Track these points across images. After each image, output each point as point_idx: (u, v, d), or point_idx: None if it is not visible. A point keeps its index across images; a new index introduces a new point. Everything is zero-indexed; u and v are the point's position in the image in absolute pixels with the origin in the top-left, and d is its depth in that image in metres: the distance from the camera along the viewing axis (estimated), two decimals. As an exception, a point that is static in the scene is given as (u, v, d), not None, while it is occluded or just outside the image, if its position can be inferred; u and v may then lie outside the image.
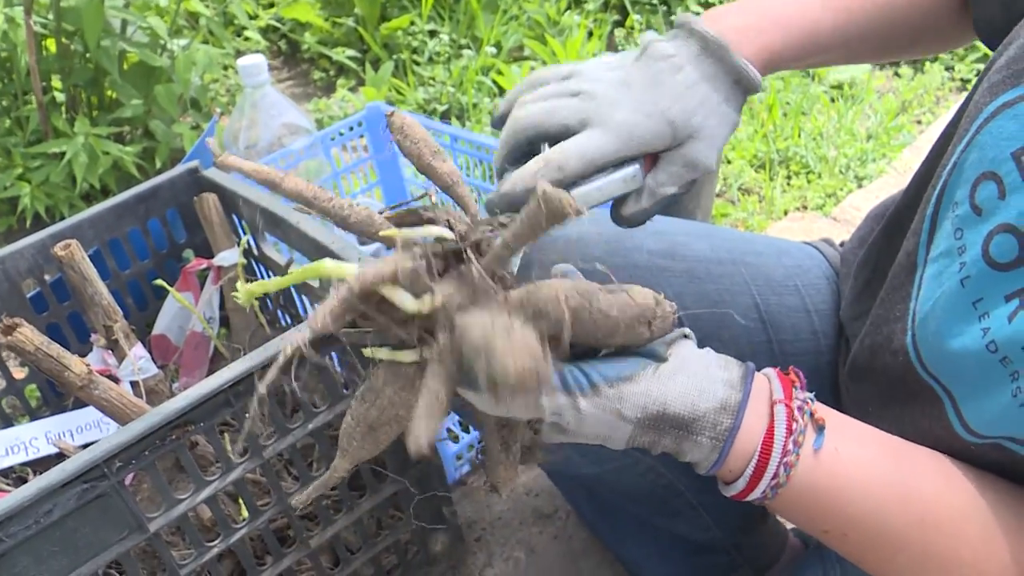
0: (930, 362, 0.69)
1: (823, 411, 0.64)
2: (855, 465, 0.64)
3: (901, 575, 0.64)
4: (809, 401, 0.64)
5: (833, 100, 2.44)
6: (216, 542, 0.94)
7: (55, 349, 0.95)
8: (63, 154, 2.06)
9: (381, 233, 0.61)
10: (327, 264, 0.58)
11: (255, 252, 1.27)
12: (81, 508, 0.81)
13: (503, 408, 0.58)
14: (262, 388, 0.56)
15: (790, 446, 0.61)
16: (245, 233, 1.29)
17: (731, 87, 0.74)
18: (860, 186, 2.08)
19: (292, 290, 1.19)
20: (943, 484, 0.65)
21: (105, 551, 0.85)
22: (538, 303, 0.55)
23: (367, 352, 0.60)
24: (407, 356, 0.58)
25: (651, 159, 0.73)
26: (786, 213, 2.01)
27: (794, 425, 0.62)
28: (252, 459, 0.92)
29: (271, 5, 3.04)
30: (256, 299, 1.26)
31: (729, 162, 2.19)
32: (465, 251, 0.58)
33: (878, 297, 0.80)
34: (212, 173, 1.30)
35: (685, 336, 0.64)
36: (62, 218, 2.10)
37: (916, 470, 0.65)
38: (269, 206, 1.16)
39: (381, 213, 0.64)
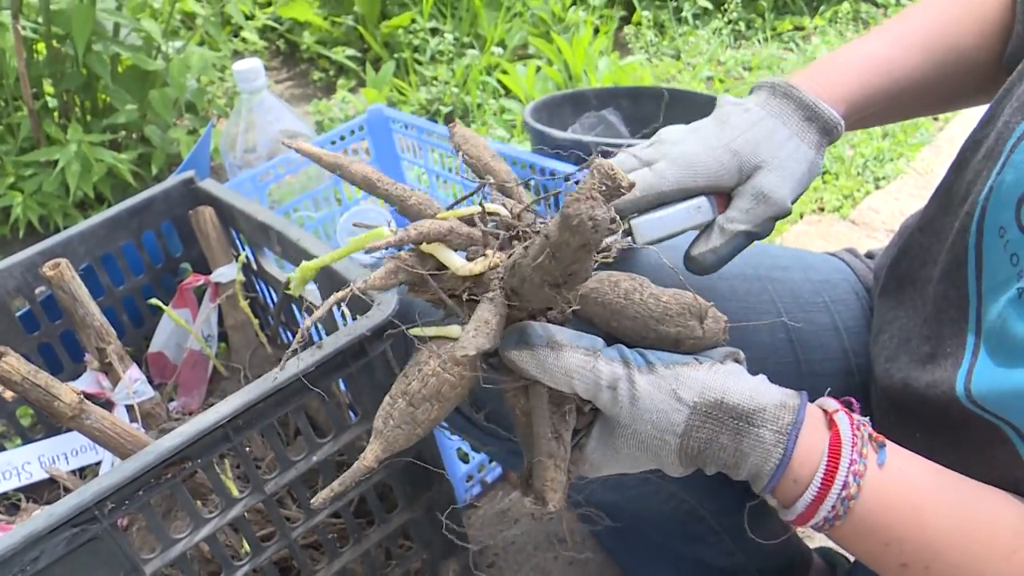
0: (989, 397, 0.63)
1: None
2: (926, 484, 0.59)
3: None
4: (865, 423, 0.60)
5: (846, 97, 2.39)
6: (216, 582, 0.89)
7: (43, 378, 0.89)
8: (56, 162, 2.01)
9: (438, 216, 0.62)
10: (385, 231, 0.59)
11: (254, 267, 1.22)
12: (71, 553, 0.76)
13: (558, 370, 0.56)
14: (308, 324, 0.58)
15: (855, 456, 0.57)
16: (243, 247, 1.24)
17: (803, 124, 0.73)
18: (878, 187, 2.02)
19: (294, 308, 1.14)
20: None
21: (97, 597, 0.80)
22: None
23: (414, 331, 0.61)
24: (454, 332, 0.59)
25: (724, 201, 0.72)
26: (802, 216, 1.95)
27: (856, 433, 0.58)
28: (253, 494, 0.87)
29: (268, 4, 2.99)
30: (256, 317, 1.21)
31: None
32: (518, 227, 0.60)
33: (915, 331, 0.76)
34: (208, 184, 1.25)
35: (737, 360, 0.62)
36: (56, 228, 2.05)
37: (990, 498, 0.60)
38: (266, 220, 1.11)
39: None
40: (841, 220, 1.92)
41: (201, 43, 2.41)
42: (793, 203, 0.73)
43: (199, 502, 0.99)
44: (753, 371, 0.65)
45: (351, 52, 2.89)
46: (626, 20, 3.08)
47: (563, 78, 2.51)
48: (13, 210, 2.02)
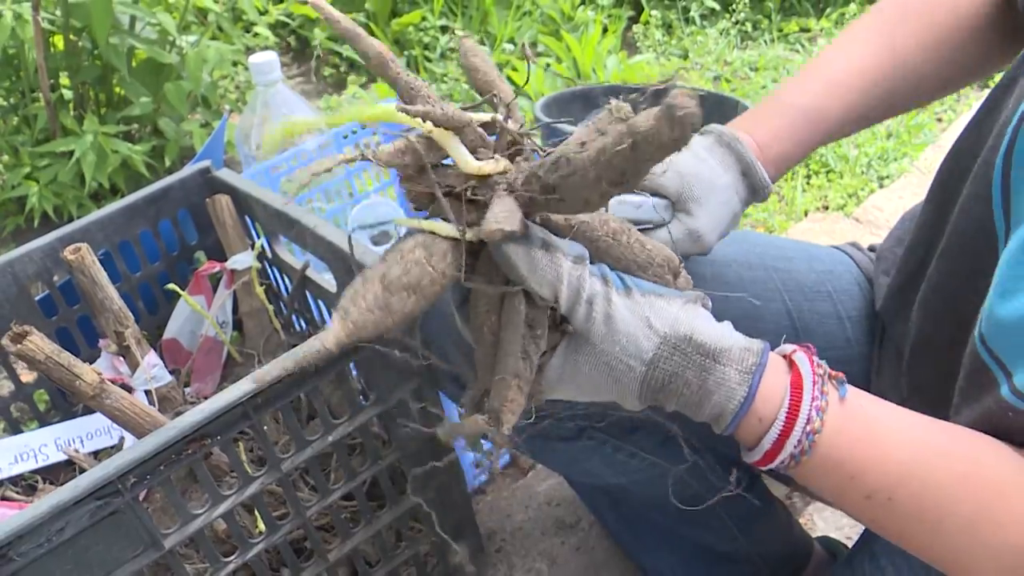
0: (988, 331, 0.64)
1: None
2: (886, 418, 0.60)
3: (951, 546, 0.58)
4: (822, 363, 0.61)
5: (852, 97, 2.40)
6: (233, 557, 0.91)
7: (66, 358, 0.92)
8: (71, 153, 2.03)
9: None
10: (394, 107, 0.56)
11: (269, 255, 1.25)
12: (94, 525, 0.78)
13: (550, 270, 0.56)
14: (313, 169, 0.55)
15: (816, 392, 0.58)
16: (259, 235, 1.26)
17: (739, 177, 0.78)
18: (882, 186, 2.04)
19: (308, 295, 1.16)
20: (982, 444, 0.60)
21: (119, 568, 0.82)
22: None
23: (400, 221, 0.59)
24: (444, 228, 0.56)
25: None
26: (806, 213, 1.97)
27: (816, 371, 0.59)
28: (270, 472, 0.89)
29: (280, 0, 3.01)
30: (270, 303, 1.23)
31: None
32: (523, 144, 0.59)
33: (944, 272, 0.76)
34: (224, 174, 1.27)
35: (705, 305, 0.63)
36: (70, 218, 2.07)
37: (949, 430, 0.61)
38: (283, 208, 1.13)
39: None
40: (845, 218, 1.94)
41: (213, 38, 2.43)
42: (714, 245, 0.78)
43: (215, 481, 1.01)
44: None
45: (361, 49, 2.91)
46: (634, 20, 3.09)
47: (572, 76, 2.53)
48: (29, 199, 2.05)
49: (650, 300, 0.58)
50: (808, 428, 0.57)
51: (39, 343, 0.90)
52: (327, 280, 1.10)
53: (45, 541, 0.76)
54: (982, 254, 0.70)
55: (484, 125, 0.59)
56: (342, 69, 2.99)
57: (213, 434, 0.82)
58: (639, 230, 0.71)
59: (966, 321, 0.72)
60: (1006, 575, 0.57)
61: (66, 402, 1.31)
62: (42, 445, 1.22)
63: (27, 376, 1.28)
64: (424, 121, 0.56)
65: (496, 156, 0.57)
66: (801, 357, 0.60)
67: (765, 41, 2.93)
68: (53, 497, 0.75)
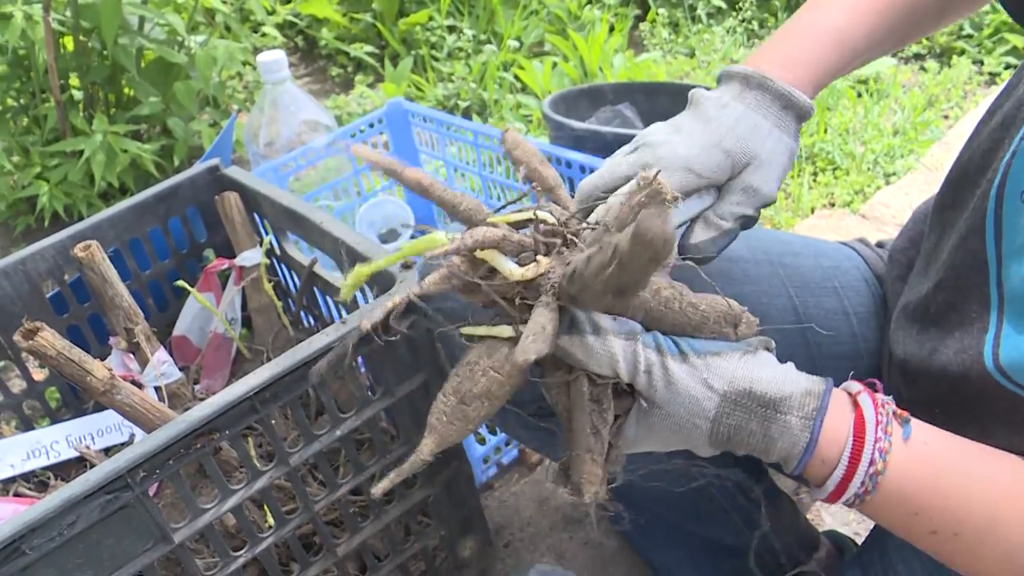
0: (1015, 368, 0.65)
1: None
2: (950, 455, 0.62)
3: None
4: (889, 401, 0.63)
5: (859, 95, 2.40)
6: (242, 552, 0.92)
7: (77, 354, 0.93)
8: (81, 152, 2.04)
9: (488, 219, 0.64)
10: (439, 235, 0.62)
11: (277, 251, 1.25)
12: (105, 519, 0.79)
13: (603, 353, 0.59)
14: (361, 329, 0.63)
15: (880, 433, 0.60)
16: (267, 232, 1.27)
17: (780, 113, 0.76)
18: (888, 182, 2.04)
19: (316, 291, 1.17)
20: None
21: (129, 563, 0.83)
22: None
23: (465, 331, 0.63)
24: (504, 332, 0.61)
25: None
26: (813, 210, 1.97)
27: (880, 411, 0.61)
28: (278, 467, 0.90)
29: (288, 0, 3.02)
30: (279, 300, 1.24)
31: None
32: (565, 233, 0.62)
33: (941, 303, 0.77)
34: (232, 171, 1.28)
35: (767, 348, 0.65)
36: (80, 217, 2.09)
37: (1010, 462, 0.62)
38: (291, 205, 1.14)
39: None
40: (851, 215, 1.94)
41: (221, 38, 2.44)
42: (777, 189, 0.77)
43: (225, 476, 1.02)
44: None
45: (369, 48, 2.92)
46: (641, 18, 3.10)
47: (579, 74, 2.53)
48: (39, 199, 2.06)
49: (706, 361, 0.61)
50: (871, 470, 0.60)
51: (50, 339, 0.91)
52: (335, 276, 1.11)
53: (57, 535, 0.77)
54: (976, 286, 0.71)
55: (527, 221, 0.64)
56: (349, 69, 3.00)
57: (222, 428, 0.83)
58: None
59: (961, 351, 0.73)
60: None
61: (77, 399, 1.32)
62: (54, 442, 1.23)
63: (39, 374, 1.29)
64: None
65: (537, 258, 0.61)
66: (865, 399, 0.62)
67: (772, 39, 2.92)
68: (65, 491, 0.76)
